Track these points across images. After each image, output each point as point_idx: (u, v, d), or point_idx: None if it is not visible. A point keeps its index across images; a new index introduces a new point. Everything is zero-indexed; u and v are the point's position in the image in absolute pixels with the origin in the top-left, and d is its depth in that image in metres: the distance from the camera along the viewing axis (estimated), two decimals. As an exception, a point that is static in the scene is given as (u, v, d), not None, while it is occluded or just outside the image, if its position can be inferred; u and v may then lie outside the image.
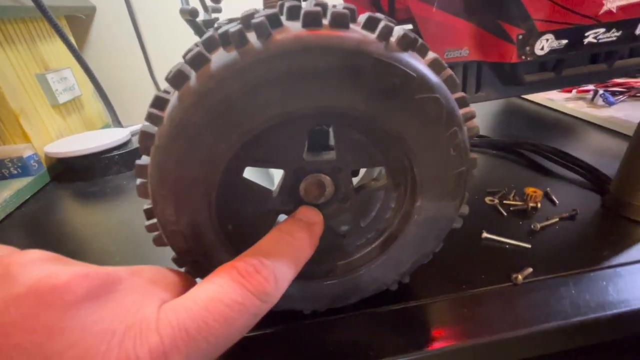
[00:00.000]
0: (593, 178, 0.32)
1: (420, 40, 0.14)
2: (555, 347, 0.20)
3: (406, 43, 0.13)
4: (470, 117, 0.16)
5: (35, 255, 0.11)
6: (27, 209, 0.39)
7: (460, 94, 0.15)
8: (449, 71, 0.15)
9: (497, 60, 0.24)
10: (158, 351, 0.10)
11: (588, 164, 0.33)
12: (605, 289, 0.21)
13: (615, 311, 0.20)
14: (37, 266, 0.11)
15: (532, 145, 0.39)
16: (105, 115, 0.59)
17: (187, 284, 0.15)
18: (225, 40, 0.13)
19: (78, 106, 0.54)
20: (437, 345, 0.19)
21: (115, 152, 0.44)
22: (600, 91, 0.51)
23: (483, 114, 0.55)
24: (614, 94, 0.51)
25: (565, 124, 0.48)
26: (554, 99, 0.54)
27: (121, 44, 0.62)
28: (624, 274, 0.22)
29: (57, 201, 0.40)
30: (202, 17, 0.34)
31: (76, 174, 0.45)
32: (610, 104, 0.50)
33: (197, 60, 0.13)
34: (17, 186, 0.39)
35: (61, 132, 0.49)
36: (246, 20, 0.13)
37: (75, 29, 0.58)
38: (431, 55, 0.15)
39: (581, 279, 0.22)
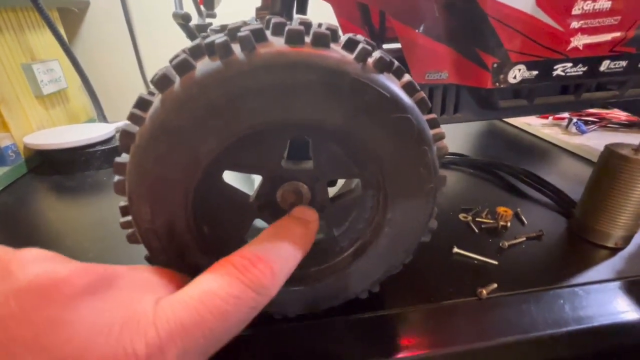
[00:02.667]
0: (561, 201, 0.34)
1: (396, 63, 0.15)
2: (512, 360, 0.21)
3: (382, 65, 0.14)
4: (440, 137, 0.17)
5: (34, 253, 0.12)
6: (0, 199, 0.38)
7: (432, 115, 0.16)
8: (422, 94, 0.16)
9: (473, 85, 0.25)
10: (154, 345, 0.11)
11: (557, 188, 0.35)
12: (562, 307, 0.22)
13: (569, 328, 0.21)
14: (37, 263, 0.11)
15: (508, 166, 0.41)
16: (91, 110, 0.58)
17: (184, 282, 0.15)
18: (211, 50, 0.14)
19: (63, 99, 0.53)
20: (402, 354, 0.20)
21: (98, 148, 0.44)
22: (574, 119, 0.54)
23: (466, 134, 0.57)
24: (586, 123, 0.54)
25: (541, 149, 0.51)
26: (532, 124, 0.57)
27: (113, 39, 0.62)
28: (581, 293, 0.24)
29: (33, 193, 0.39)
30: (196, 21, 0.34)
31: (55, 167, 0.44)
32: (582, 132, 0.52)
33: (182, 66, 0.14)
34: (-9, 176, 0.38)
35: (43, 124, 0.48)
36: (232, 32, 0.14)
37: (67, 22, 0.57)
38: (406, 78, 0.16)
39: (541, 297, 0.23)
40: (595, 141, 0.50)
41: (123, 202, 0.17)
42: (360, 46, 0.14)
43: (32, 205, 0.37)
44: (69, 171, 0.43)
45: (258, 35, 0.14)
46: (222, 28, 0.32)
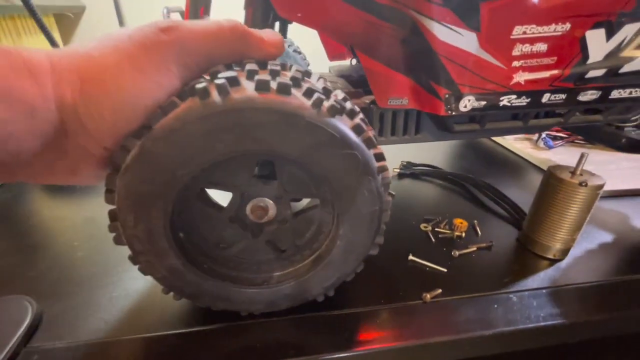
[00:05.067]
0: (515, 214, 0.38)
1: (347, 107, 0.18)
2: (445, 357, 0.24)
3: (334, 110, 0.17)
4: (384, 169, 0.20)
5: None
6: (-4, 198, 0.40)
7: (379, 150, 0.19)
8: (369, 133, 0.19)
9: (429, 111, 0.28)
10: None
11: (513, 202, 0.39)
12: (495, 311, 0.26)
13: (498, 330, 0.24)
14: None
15: (472, 179, 0.44)
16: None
17: None
18: (193, 92, 0.17)
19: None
20: (351, 348, 0.23)
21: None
22: (543, 135, 0.57)
23: (442, 145, 0.60)
24: (555, 138, 0.58)
25: (511, 162, 0.54)
26: (506, 137, 0.61)
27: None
28: (514, 299, 0.27)
29: (27, 192, 0.42)
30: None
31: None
32: (549, 147, 0.56)
33: (169, 105, 0.17)
34: (-13, 175, 0.40)
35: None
36: (213, 75, 0.17)
37: (62, 26, 0.59)
38: (356, 120, 0.18)
39: (478, 301, 0.26)
40: (560, 156, 0.53)
41: (112, 207, 0.19)
42: (315, 95, 0.17)
43: (26, 203, 0.39)
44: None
45: (232, 82, 0.16)
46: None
